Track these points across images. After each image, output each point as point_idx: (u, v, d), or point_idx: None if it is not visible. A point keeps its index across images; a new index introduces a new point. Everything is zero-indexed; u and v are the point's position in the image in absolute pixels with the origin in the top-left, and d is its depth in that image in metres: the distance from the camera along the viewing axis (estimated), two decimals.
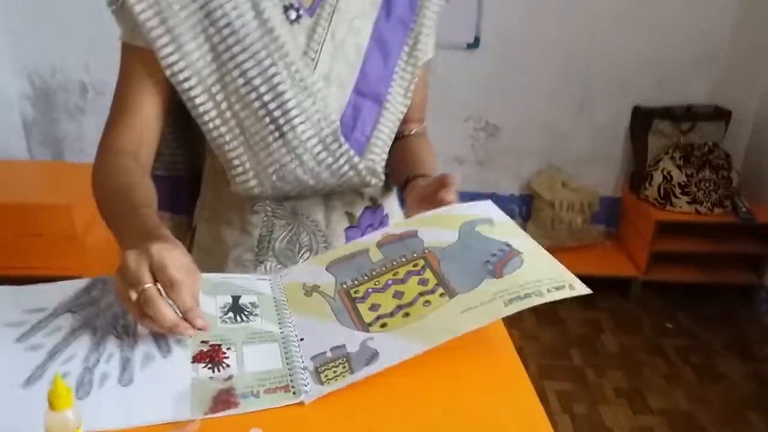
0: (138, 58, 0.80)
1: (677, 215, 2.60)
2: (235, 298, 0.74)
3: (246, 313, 0.72)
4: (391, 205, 1.00)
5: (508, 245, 0.74)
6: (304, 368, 0.64)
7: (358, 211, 0.93)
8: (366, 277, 0.75)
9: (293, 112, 0.80)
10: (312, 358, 0.65)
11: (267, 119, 0.80)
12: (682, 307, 2.70)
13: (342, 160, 0.84)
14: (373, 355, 0.64)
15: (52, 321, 0.69)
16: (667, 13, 2.63)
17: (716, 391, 2.23)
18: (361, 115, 0.85)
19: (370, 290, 0.73)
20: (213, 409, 0.59)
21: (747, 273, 2.70)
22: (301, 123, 0.81)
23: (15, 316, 0.69)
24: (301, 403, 0.61)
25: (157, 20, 0.76)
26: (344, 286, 0.75)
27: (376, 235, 0.81)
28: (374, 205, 0.95)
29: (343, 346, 0.66)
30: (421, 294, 0.70)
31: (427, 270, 0.73)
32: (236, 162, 0.83)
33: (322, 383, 0.62)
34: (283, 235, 0.90)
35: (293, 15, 0.81)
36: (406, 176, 0.89)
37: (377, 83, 0.86)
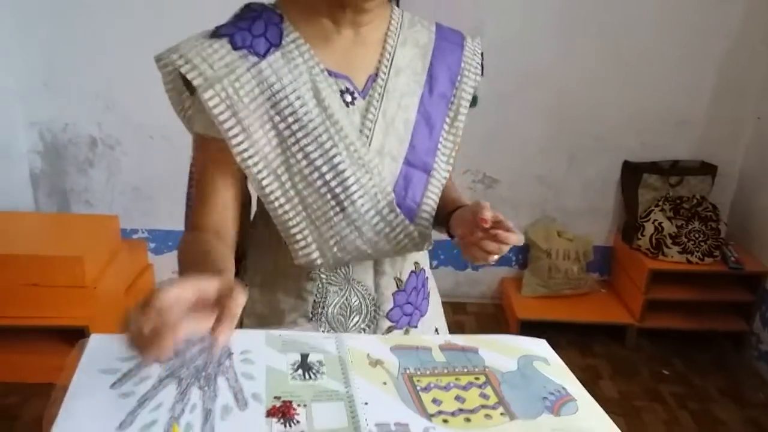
0: (214, 147, 0.87)
1: (669, 264, 2.70)
2: (304, 356, 0.80)
3: (314, 371, 0.78)
4: (427, 265, 1.06)
5: (564, 389, 0.82)
6: (369, 430, 0.70)
7: (405, 276, 0.99)
8: (428, 372, 0.81)
9: (353, 188, 0.87)
10: (376, 425, 0.71)
11: (328, 195, 0.87)
12: (677, 353, 2.78)
13: (399, 229, 0.91)
14: None
15: (142, 370, 0.75)
16: (647, 77, 2.79)
17: None
18: (411, 185, 0.91)
19: (432, 384, 0.79)
20: None
21: (737, 320, 2.80)
22: (360, 197, 0.88)
23: (109, 364, 0.75)
24: None
25: (228, 113, 0.83)
26: (407, 371, 0.81)
27: (438, 339, 0.89)
28: (417, 269, 1.02)
29: (407, 425, 0.71)
30: (483, 406, 0.76)
31: (489, 387, 0.80)
32: (299, 237, 0.89)
33: None
34: (336, 300, 0.95)
35: (348, 98, 0.88)
36: (447, 212, 0.94)
37: (425, 154, 0.92)
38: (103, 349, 0.79)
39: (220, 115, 0.83)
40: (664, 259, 2.72)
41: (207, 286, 0.63)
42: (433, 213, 0.96)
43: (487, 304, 3.11)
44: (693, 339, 2.84)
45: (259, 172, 0.85)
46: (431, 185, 0.94)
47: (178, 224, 3.26)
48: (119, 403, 0.69)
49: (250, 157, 0.85)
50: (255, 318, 0.99)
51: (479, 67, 0.99)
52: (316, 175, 0.86)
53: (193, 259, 0.82)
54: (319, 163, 0.86)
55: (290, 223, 0.88)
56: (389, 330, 1.00)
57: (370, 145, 0.89)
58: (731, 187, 2.94)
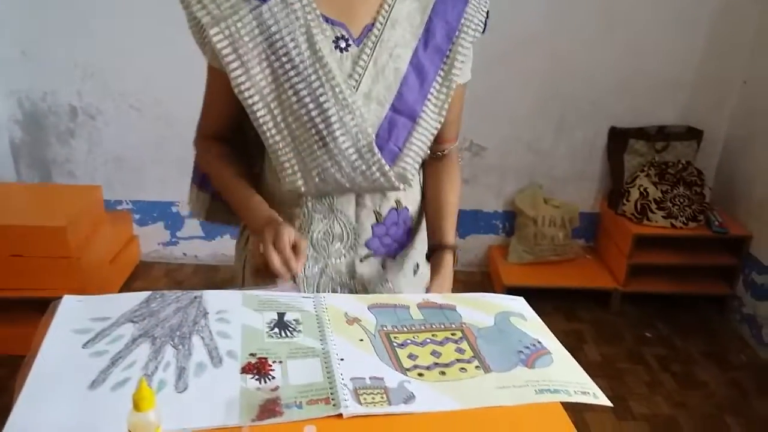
0: (217, 76, 0.99)
1: (654, 229, 2.72)
2: (281, 315, 0.81)
3: (290, 329, 0.78)
4: (415, 207, 1.13)
5: (540, 342, 0.83)
6: (344, 385, 0.70)
7: (384, 210, 1.07)
8: (405, 329, 0.83)
9: (335, 126, 0.94)
10: (351, 379, 0.71)
11: (313, 130, 0.95)
12: (660, 317, 2.82)
13: (374, 168, 0.98)
14: (410, 397, 0.70)
15: (115, 330, 0.74)
16: (637, 40, 2.77)
17: (696, 397, 2.33)
18: (395, 129, 0.98)
19: (408, 341, 0.80)
20: (260, 416, 0.65)
21: (720, 284, 2.83)
22: (341, 135, 0.95)
23: (82, 324, 0.75)
24: (340, 416, 0.66)
25: (230, 49, 0.92)
26: (384, 328, 0.82)
27: (416, 297, 0.92)
28: (399, 207, 1.09)
29: (382, 379, 0.72)
30: (458, 360, 0.77)
31: (465, 342, 0.81)
32: (287, 165, 0.98)
33: (360, 404, 0.68)
34: (320, 227, 1.05)
35: (343, 44, 0.96)
36: (434, 242, 1.09)
37: (413, 102, 0.98)
38: (75, 309, 0.78)
39: (223, 50, 0.92)
40: (648, 224, 2.73)
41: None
42: (419, 158, 1.02)
43: (474, 272, 3.13)
44: (677, 303, 2.87)
45: (255, 103, 0.95)
46: (416, 132, 0.99)
47: (163, 195, 3.24)
48: (91, 362, 0.69)
49: (246, 89, 0.94)
50: (254, 237, 1.06)
51: (481, 24, 1.03)
52: (303, 111, 0.94)
53: (224, 180, 1.05)
54: (306, 100, 0.94)
55: (279, 153, 0.97)
56: (367, 257, 1.09)
57: (357, 89, 0.96)
58: (716, 152, 2.94)
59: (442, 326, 0.84)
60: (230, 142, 1.08)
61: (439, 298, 0.92)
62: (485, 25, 1.03)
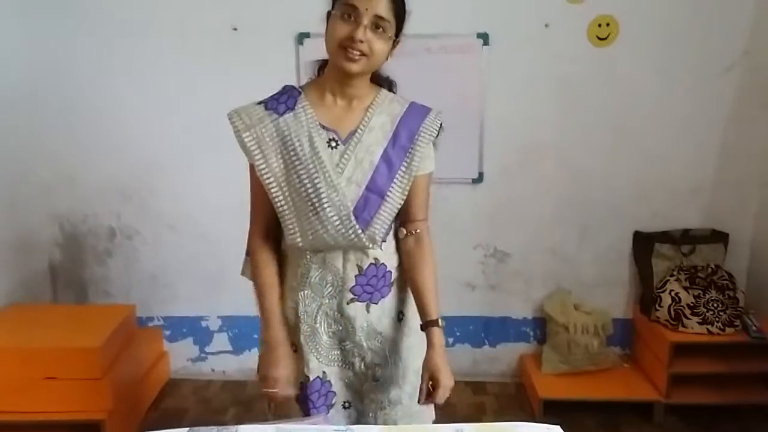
0: (253, 172, 1.34)
1: (691, 336, 2.65)
2: None
3: None
4: (394, 266, 1.42)
5: None
6: None
7: (365, 265, 1.38)
8: None
9: (324, 200, 1.29)
10: None
11: (309, 203, 1.29)
12: (706, 429, 2.68)
13: (350, 231, 1.30)
14: None
15: None
16: (652, 147, 2.85)
17: None
18: (368, 204, 1.31)
19: None
20: None
21: (764, 392, 2.71)
22: (328, 206, 1.29)
23: None
24: None
25: (256, 146, 1.31)
26: None
27: (448, 429, 0.96)
28: (377, 263, 1.39)
29: None
30: None
31: None
32: (290, 226, 1.33)
33: None
34: (316, 274, 1.38)
35: (333, 144, 1.32)
36: (421, 320, 1.38)
37: (382, 185, 1.32)
38: None
39: (251, 147, 1.31)
40: (684, 330, 2.68)
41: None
42: (385, 225, 1.35)
43: (507, 383, 3.04)
44: (721, 413, 2.74)
45: (270, 183, 1.31)
46: (384, 206, 1.33)
47: (193, 310, 3.30)
48: None
49: (266, 173, 1.31)
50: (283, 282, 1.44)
51: (435, 131, 1.37)
52: (302, 189, 1.30)
53: (262, 296, 1.41)
54: (306, 182, 1.29)
55: (286, 218, 1.33)
56: (352, 300, 1.38)
57: (342, 174, 1.31)
58: (745, 255, 2.92)
59: None
60: (273, 223, 1.39)
61: (471, 429, 0.89)
62: (438, 132, 1.37)
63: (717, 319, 2.66)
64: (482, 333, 3.06)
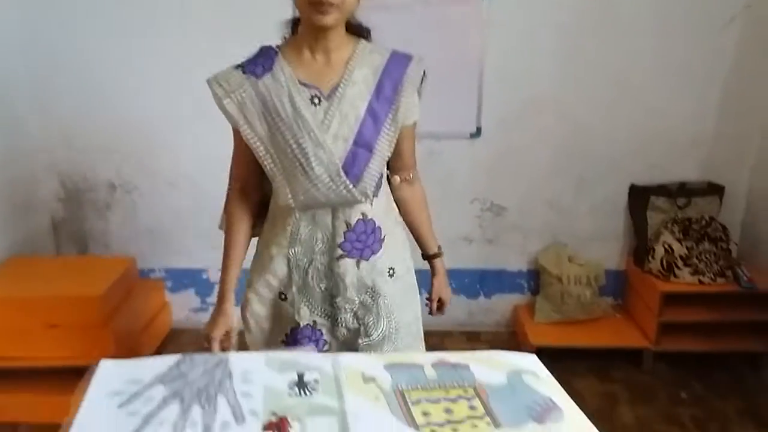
0: (238, 136, 1.34)
1: (682, 286, 2.70)
2: (301, 375, 0.86)
3: (310, 388, 0.83)
4: (383, 222, 1.42)
5: (552, 401, 0.87)
6: None
7: (353, 220, 1.37)
8: (420, 387, 0.88)
9: (311, 159, 1.28)
10: None
11: (296, 163, 1.28)
12: (694, 376, 2.75)
13: (341, 187, 1.30)
14: None
15: (147, 391, 0.81)
16: (652, 99, 2.84)
17: None
18: (357, 159, 1.31)
19: (422, 399, 0.85)
20: None
21: (754, 340, 2.76)
22: (317, 165, 1.28)
23: (117, 386, 0.81)
24: None
25: (238, 111, 1.29)
26: (399, 387, 0.87)
27: (431, 356, 0.99)
28: (365, 218, 1.38)
29: None
30: (470, 417, 0.81)
31: (477, 399, 0.86)
32: (281, 187, 1.32)
33: None
34: (306, 231, 1.38)
35: (316, 101, 1.29)
36: (423, 254, 1.55)
37: (369, 138, 1.31)
38: (111, 373, 0.85)
39: (233, 112, 1.29)
40: (675, 281, 2.72)
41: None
42: (376, 177, 1.35)
43: (501, 332, 3.12)
44: (710, 361, 2.80)
45: (257, 147, 1.30)
46: (373, 160, 1.32)
47: (193, 262, 3.34)
48: (126, 421, 0.75)
49: (252, 138, 1.30)
50: (263, 241, 1.46)
51: (419, 79, 1.36)
52: (288, 150, 1.29)
53: (226, 245, 1.43)
54: (291, 142, 1.28)
55: (276, 179, 1.32)
56: (341, 257, 1.38)
57: (328, 131, 1.29)
58: (740, 207, 2.94)
59: (456, 384, 0.88)
60: (251, 183, 1.41)
61: (453, 356, 0.95)
62: (422, 80, 1.36)
63: (708, 269, 2.70)
64: (478, 285, 3.11)
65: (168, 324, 3.02)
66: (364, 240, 1.38)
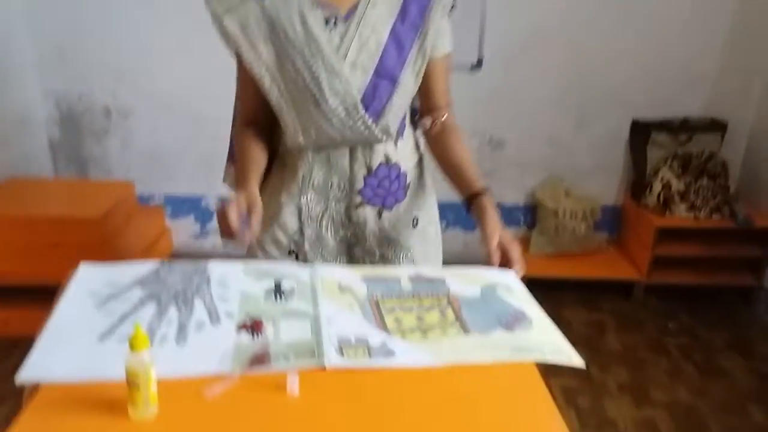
0: (242, 65, 1.15)
1: (677, 221, 2.69)
2: (278, 283, 0.87)
3: (285, 295, 0.84)
4: (408, 166, 1.25)
5: (523, 312, 0.87)
6: (330, 342, 0.76)
7: (374, 164, 1.20)
8: (395, 297, 0.89)
9: (325, 89, 1.10)
10: (338, 338, 0.77)
11: (308, 94, 1.11)
12: (684, 309, 2.78)
13: (359, 123, 1.13)
14: (390, 352, 0.75)
15: (125, 293, 0.82)
16: (657, 32, 2.75)
17: (717, 385, 2.30)
18: (378, 91, 1.13)
19: (396, 307, 0.86)
20: (250, 365, 0.70)
21: (746, 276, 2.78)
22: (331, 96, 1.11)
23: (95, 288, 0.82)
24: (324, 368, 0.71)
25: (240, 32, 1.10)
26: (375, 296, 0.88)
27: (408, 270, 1.00)
28: (389, 162, 1.22)
29: (366, 339, 0.78)
30: (440, 324, 0.82)
31: (449, 309, 0.87)
32: (290, 123, 1.14)
33: (343, 357, 0.74)
34: (320, 175, 1.20)
35: (332, 23, 1.12)
36: (464, 193, 1.18)
37: (392, 68, 1.14)
38: (91, 275, 0.86)
39: (234, 33, 1.11)
40: (671, 216, 2.71)
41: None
42: (400, 114, 1.17)
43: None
44: (701, 295, 2.83)
45: (262, 76, 1.12)
46: (397, 93, 1.14)
47: (193, 189, 3.33)
48: (102, 319, 0.76)
49: (256, 64, 1.12)
50: (271, 185, 1.25)
51: (449, 3, 1.20)
52: (299, 79, 1.11)
53: (239, 158, 1.19)
54: (302, 70, 1.10)
55: (284, 114, 1.14)
56: (361, 204, 1.21)
57: (345, 58, 1.11)
58: (741, 145, 2.89)
59: (430, 295, 0.88)
60: (260, 122, 1.23)
61: (430, 271, 0.96)
62: (452, 6, 1.20)
63: (705, 205, 2.68)
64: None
65: (168, 249, 3.05)
66: (387, 186, 1.22)
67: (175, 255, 3.09)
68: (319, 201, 1.20)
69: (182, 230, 3.08)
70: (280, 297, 0.83)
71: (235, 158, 1.24)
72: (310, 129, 1.13)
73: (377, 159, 1.20)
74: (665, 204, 2.72)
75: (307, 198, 1.20)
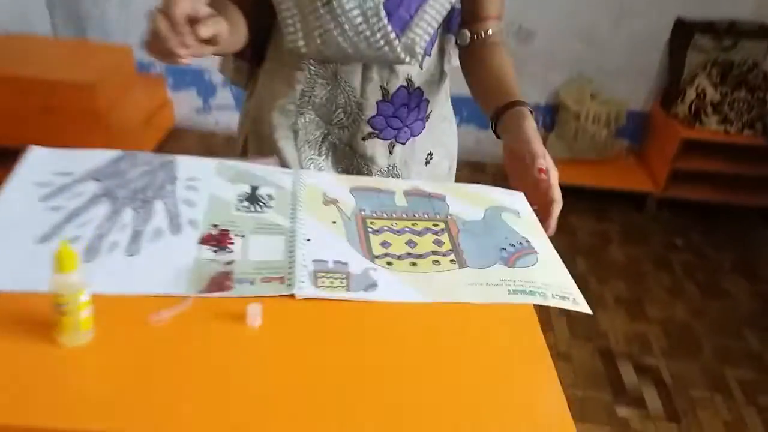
0: None
1: (705, 134, 2.50)
2: (254, 188, 0.74)
3: (261, 203, 0.72)
4: (433, 94, 1.00)
5: (528, 241, 0.74)
6: (304, 266, 0.64)
7: (392, 87, 0.95)
8: (385, 215, 0.75)
9: None
10: (313, 261, 0.65)
11: None
12: (695, 226, 2.68)
13: (379, 35, 0.87)
14: (372, 285, 0.64)
15: (77, 186, 0.70)
16: None
17: (716, 306, 2.25)
18: None
19: (385, 228, 0.73)
20: (208, 288, 0.59)
21: (766, 196, 2.63)
22: None
23: (44, 177, 0.71)
24: (292, 296, 0.60)
25: None
26: (362, 212, 0.75)
27: (405, 183, 0.84)
28: (410, 87, 0.96)
29: (346, 264, 0.66)
30: (434, 252, 0.70)
31: (445, 234, 0.73)
32: (290, 22, 0.88)
33: (316, 287, 0.62)
34: (323, 93, 0.95)
35: None
36: (496, 103, 0.86)
37: None
38: (41, 161, 0.74)
39: None
40: (700, 128, 2.52)
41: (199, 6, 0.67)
42: (430, 30, 0.90)
43: None
44: (716, 213, 2.71)
45: None
46: (429, 3, 0.88)
47: (198, 60, 3.16)
48: (46, 216, 0.65)
49: None
50: (257, 98, 1.02)
51: None
52: None
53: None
54: None
55: (282, 7, 0.88)
56: (370, 136, 0.98)
57: None
58: None
59: (426, 216, 0.76)
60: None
61: (429, 186, 0.83)
62: None
63: (738, 119, 2.48)
64: None
65: (170, 122, 2.91)
66: (404, 116, 0.97)
67: (177, 129, 2.96)
68: (319, 124, 0.97)
69: (184, 103, 2.93)
70: (255, 206, 0.72)
71: None
72: (314, 33, 0.87)
73: (396, 82, 0.94)
74: (696, 114, 2.52)
75: (305, 119, 0.96)
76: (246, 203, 0.72)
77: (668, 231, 2.64)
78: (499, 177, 2.83)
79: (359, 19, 0.85)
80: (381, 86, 0.94)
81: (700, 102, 2.50)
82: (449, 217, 0.76)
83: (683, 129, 2.52)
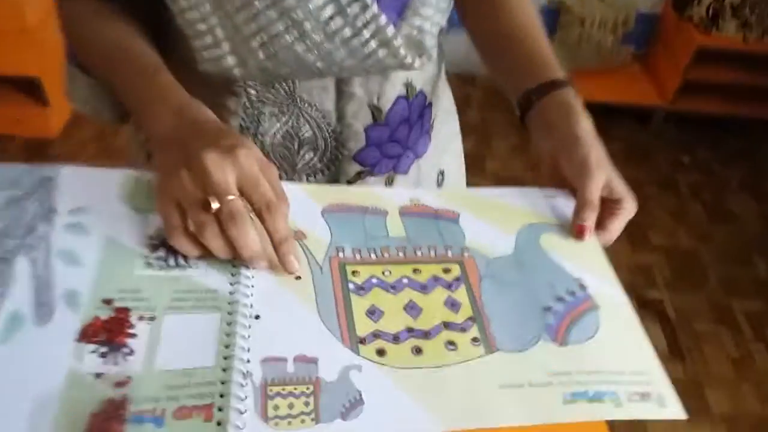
0: None
1: (722, 41, 2.19)
2: None
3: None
4: (439, 92, 0.67)
5: (582, 286, 0.47)
6: (247, 375, 0.39)
7: (386, 103, 0.59)
8: (374, 255, 0.47)
9: None
10: (263, 362, 0.40)
11: None
12: (703, 141, 2.43)
13: (366, 31, 0.50)
14: (355, 404, 0.38)
15: None
16: None
17: (723, 230, 2.07)
18: None
19: (374, 280, 0.45)
20: (90, 428, 0.35)
21: None
22: None
23: None
24: None
25: None
26: (340, 253, 0.47)
27: (402, 196, 0.53)
28: (410, 94, 0.61)
29: (315, 362, 0.40)
30: (446, 325, 0.43)
31: (462, 287, 0.46)
32: (202, 28, 0.49)
33: (267, 420, 0.37)
34: (275, 127, 0.57)
35: None
36: (531, 85, 0.58)
37: None
38: None
39: None
40: (717, 34, 2.19)
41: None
42: (442, 5, 0.55)
43: None
44: (726, 126, 2.45)
45: None
46: None
47: None
48: None
49: None
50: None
51: None
52: None
53: (111, 53, 0.52)
54: None
55: (185, 5, 0.49)
56: (358, 176, 0.63)
57: None
58: None
59: (433, 253, 0.49)
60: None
61: (435, 197, 0.55)
62: None
63: (760, 24, 2.15)
64: None
65: None
66: (404, 137, 0.64)
67: None
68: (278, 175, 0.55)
69: None
70: (176, 256, 0.46)
71: (88, 50, 0.56)
72: (249, 42, 0.50)
73: (392, 93, 0.60)
74: (713, 19, 2.18)
75: None
76: (161, 252, 0.45)
77: (675, 148, 2.40)
78: (491, 91, 2.52)
79: (329, 11, 0.49)
80: (369, 104, 0.59)
81: (718, 4, 2.16)
82: (466, 253, 0.50)
83: (698, 35, 2.19)
